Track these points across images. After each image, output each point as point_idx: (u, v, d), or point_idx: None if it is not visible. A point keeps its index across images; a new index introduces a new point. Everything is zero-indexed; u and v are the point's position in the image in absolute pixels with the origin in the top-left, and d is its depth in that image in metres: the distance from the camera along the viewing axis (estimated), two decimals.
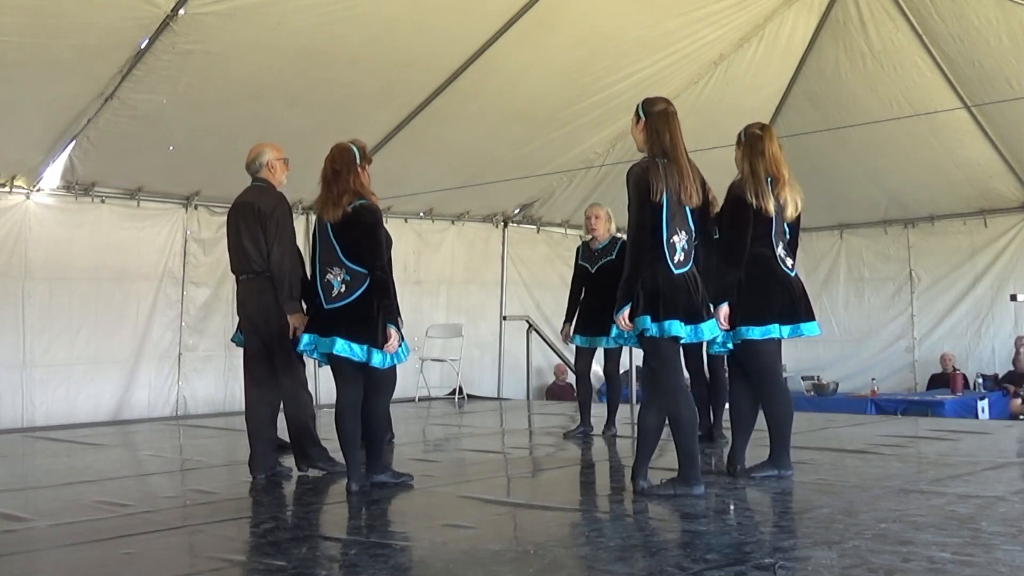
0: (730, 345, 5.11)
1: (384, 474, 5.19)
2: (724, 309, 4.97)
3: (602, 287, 7.02)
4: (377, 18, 8.30)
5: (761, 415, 5.24)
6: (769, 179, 5.05)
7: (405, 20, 8.43)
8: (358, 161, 5.03)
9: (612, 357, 7.37)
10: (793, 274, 5.18)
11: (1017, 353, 8.37)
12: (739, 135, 5.20)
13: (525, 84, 9.94)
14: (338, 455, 5.33)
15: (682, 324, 4.61)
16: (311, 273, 5.19)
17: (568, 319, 7.43)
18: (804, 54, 11.17)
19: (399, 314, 5.33)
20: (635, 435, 4.80)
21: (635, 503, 4.67)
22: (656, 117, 4.73)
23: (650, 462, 4.82)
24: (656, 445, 4.87)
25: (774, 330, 5.03)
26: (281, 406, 5.72)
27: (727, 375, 6.04)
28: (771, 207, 5.01)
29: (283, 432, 6.00)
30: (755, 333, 5.01)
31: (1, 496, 5.38)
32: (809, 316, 5.16)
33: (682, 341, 4.69)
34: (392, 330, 4.87)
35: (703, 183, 4.82)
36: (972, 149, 11.56)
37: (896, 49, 10.63)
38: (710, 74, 10.84)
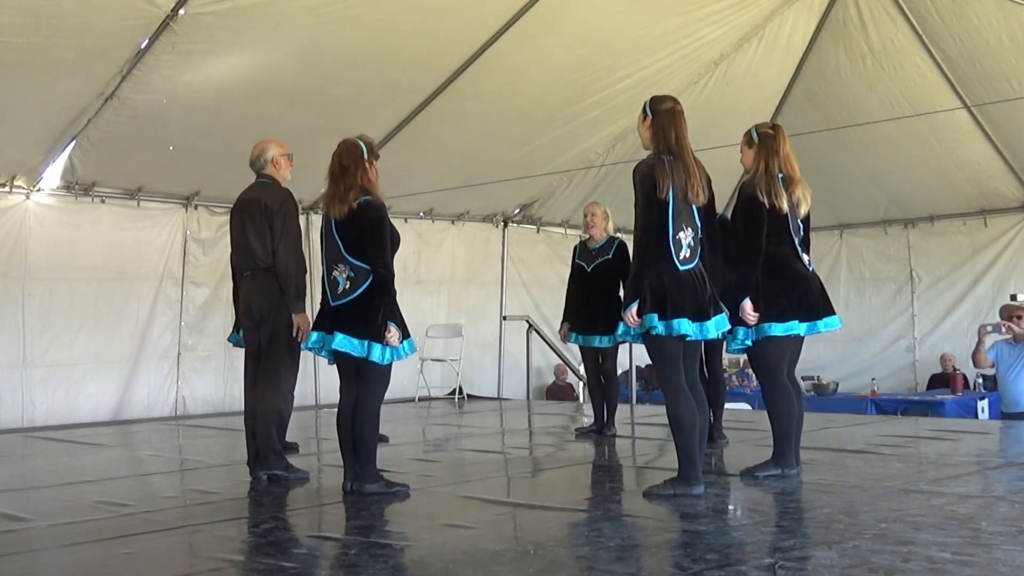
0: (750, 343, 5.10)
1: (376, 483, 5.02)
2: (748, 304, 4.96)
3: (598, 286, 7.03)
4: (377, 18, 8.30)
5: (762, 415, 5.24)
6: (782, 177, 5.07)
7: (405, 20, 8.43)
8: (365, 157, 5.01)
9: (610, 356, 7.34)
10: (811, 270, 5.20)
11: (979, 343, 8.15)
12: (749, 134, 5.20)
13: (525, 84, 9.94)
14: (319, 459, 5.30)
15: (690, 322, 4.60)
16: (321, 271, 5.16)
17: (565, 319, 7.43)
18: (804, 54, 11.18)
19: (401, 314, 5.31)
20: (670, 434, 4.74)
21: (635, 503, 4.67)
22: (663, 115, 4.75)
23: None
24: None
25: (795, 327, 5.04)
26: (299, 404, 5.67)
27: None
28: (784, 205, 5.03)
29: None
30: (777, 330, 5.01)
31: (1, 496, 5.38)
32: (828, 311, 5.18)
33: (689, 339, 4.69)
34: (392, 327, 4.84)
35: (708, 181, 4.82)
36: (972, 149, 11.56)
37: (896, 49, 10.63)
38: (710, 74, 10.84)
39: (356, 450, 4.98)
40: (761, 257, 5.02)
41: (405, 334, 5.00)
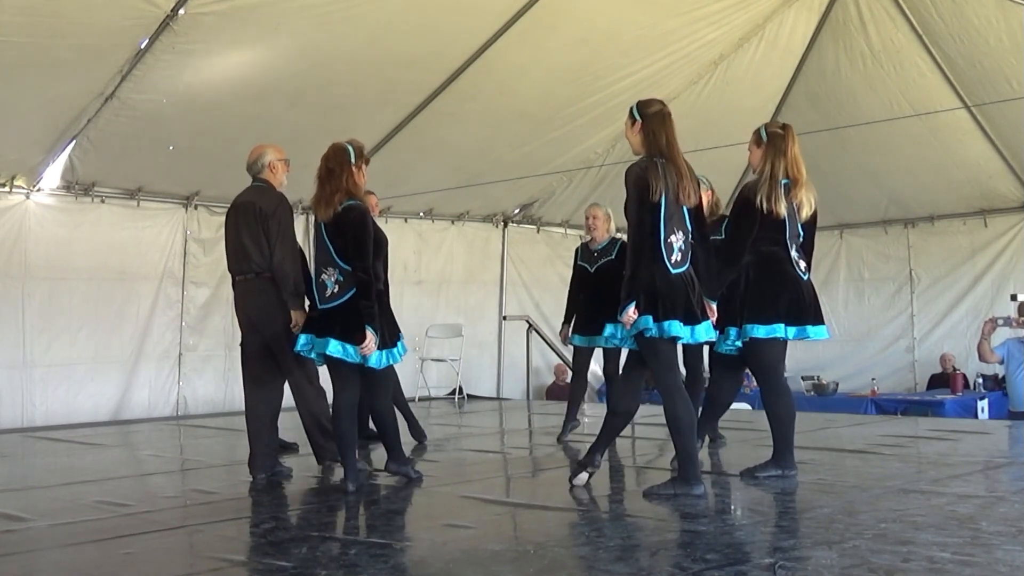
0: (739, 344, 5.11)
1: (406, 466, 5.34)
2: (712, 307, 4.96)
3: (601, 287, 7.01)
4: (377, 18, 8.30)
5: (762, 415, 5.25)
6: (786, 180, 5.05)
7: (405, 20, 8.43)
8: (353, 160, 5.04)
9: (612, 357, 7.34)
10: (806, 278, 5.16)
11: (985, 336, 8.12)
12: (758, 133, 5.17)
13: (525, 84, 9.94)
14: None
15: (681, 324, 4.61)
16: (311, 273, 5.21)
17: (567, 320, 7.42)
18: (804, 54, 11.17)
19: (392, 316, 5.34)
20: (669, 433, 4.75)
21: (635, 503, 4.67)
22: (652, 119, 4.74)
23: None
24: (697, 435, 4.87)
25: (779, 330, 5.04)
26: (293, 404, 5.72)
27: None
28: (782, 210, 5.01)
29: (284, 432, 6.02)
30: (760, 332, 5.01)
31: (1, 496, 5.39)
32: (818, 320, 5.16)
33: (680, 342, 4.69)
34: (369, 332, 4.87)
35: (698, 183, 4.83)
36: (972, 149, 11.56)
37: (896, 49, 10.63)
38: (710, 74, 10.83)
39: (382, 442, 5.32)
40: (741, 261, 5.04)
41: (391, 339, 5.07)
